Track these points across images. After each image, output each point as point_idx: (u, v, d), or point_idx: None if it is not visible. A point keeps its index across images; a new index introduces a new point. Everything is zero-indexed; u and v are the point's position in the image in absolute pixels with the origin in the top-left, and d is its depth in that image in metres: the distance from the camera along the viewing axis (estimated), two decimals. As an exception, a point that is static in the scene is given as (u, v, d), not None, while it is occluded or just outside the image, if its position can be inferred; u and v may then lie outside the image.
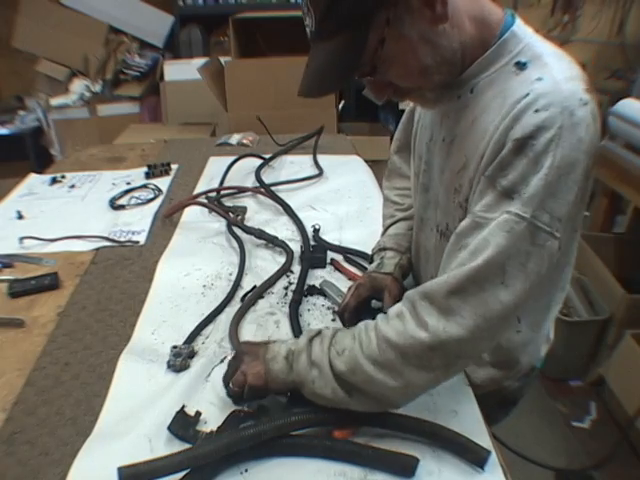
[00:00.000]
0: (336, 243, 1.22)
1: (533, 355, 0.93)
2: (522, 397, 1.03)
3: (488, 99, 0.69)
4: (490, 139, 0.67)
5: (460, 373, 0.83)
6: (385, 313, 0.73)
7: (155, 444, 0.71)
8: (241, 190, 1.51)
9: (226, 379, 0.77)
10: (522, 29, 0.70)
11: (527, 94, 0.64)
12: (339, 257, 1.18)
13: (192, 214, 1.40)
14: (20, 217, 1.40)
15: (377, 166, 1.81)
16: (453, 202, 0.77)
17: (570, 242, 0.73)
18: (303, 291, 1.04)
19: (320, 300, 1.03)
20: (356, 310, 0.92)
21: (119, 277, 1.13)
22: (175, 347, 0.88)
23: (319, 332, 0.75)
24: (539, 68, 0.66)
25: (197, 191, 1.51)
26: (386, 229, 1.06)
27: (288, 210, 1.38)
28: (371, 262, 1.03)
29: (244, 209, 1.39)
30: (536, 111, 0.62)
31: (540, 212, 0.62)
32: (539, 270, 0.64)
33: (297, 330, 0.92)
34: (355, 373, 0.69)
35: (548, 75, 0.64)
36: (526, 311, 0.74)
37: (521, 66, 0.67)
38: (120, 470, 0.62)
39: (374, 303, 0.96)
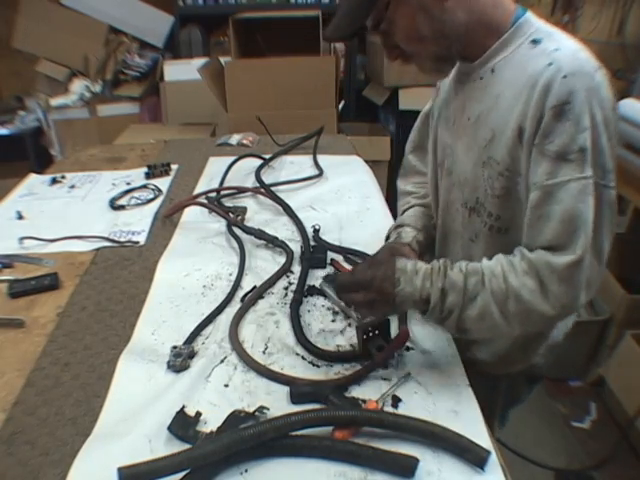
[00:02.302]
0: (336, 243, 1.22)
1: (561, 329, 0.98)
2: (545, 373, 1.08)
3: (509, 75, 0.77)
4: (524, 109, 0.73)
5: (461, 372, 0.83)
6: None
7: (155, 444, 0.71)
8: (241, 190, 1.51)
9: (346, 293, 0.83)
10: (534, 17, 0.79)
11: (550, 63, 0.71)
12: (339, 257, 1.18)
13: (192, 214, 1.40)
14: (20, 217, 1.40)
15: (377, 166, 1.81)
16: (482, 175, 0.82)
17: None
18: (303, 291, 1.04)
19: (320, 300, 1.03)
20: None
21: (119, 277, 1.13)
22: (175, 347, 0.88)
23: (445, 275, 0.76)
24: (553, 42, 0.74)
25: (197, 191, 1.51)
26: (402, 214, 1.11)
27: (288, 210, 1.38)
28: (387, 239, 1.06)
29: (244, 209, 1.39)
30: (564, 77, 0.69)
31: (596, 169, 0.70)
32: (612, 214, 0.73)
33: (298, 330, 0.92)
34: (483, 319, 0.75)
35: (564, 46, 0.73)
36: None
37: (536, 42, 0.76)
38: (120, 470, 0.62)
39: None
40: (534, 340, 0.97)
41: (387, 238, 1.07)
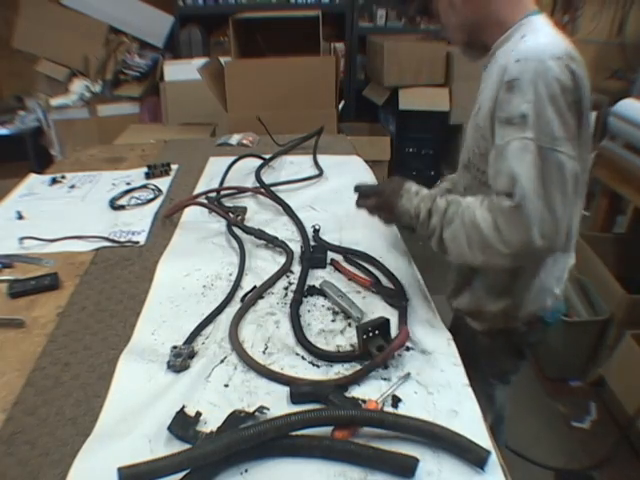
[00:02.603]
0: (336, 243, 1.22)
1: (537, 301, 1.06)
2: (528, 348, 1.19)
3: (498, 62, 0.93)
4: (493, 87, 0.91)
5: (461, 372, 0.84)
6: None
7: (155, 444, 0.71)
8: (241, 190, 1.51)
9: (363, 199, 1.08)
10: (538, 20, 0.93)
11: (512, 50, 0.88)
12: (339, 257, 1.18)
13: (192, 214, 1.40)
14: (20, 217, 1.40)
15: (377, 166, 1.81)
16: (473, 138, 1.00)
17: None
18: (303, 291, 1.04)
19: (320, 300, 1.03)
20: None
21: (119, 277, 1.13)
22: (175, 347, 0.88)
23: (433, 200, 0.96)
24: (532, 36, 0.89)
25: (197, 191, 1.51)
26: None
27: (288, 210, 1.38)
28: None
29: (244, 209, 1.39)
30: (517, 61, 0.85)
31: (539, 134, 0.82)
32: (564, 178, 0.83)
33: (298, 330, 0.92)
34: (454, 242, 0.92)
35: (533, 39, 0.88)
36: None
37: (523, 37, 0.90)
38: (120, 470, 0.62)
39: None
40: (503, 292, 1.07)
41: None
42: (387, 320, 0.87)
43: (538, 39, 0.88)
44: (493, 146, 0.90)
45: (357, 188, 1.11)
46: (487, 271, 1.06)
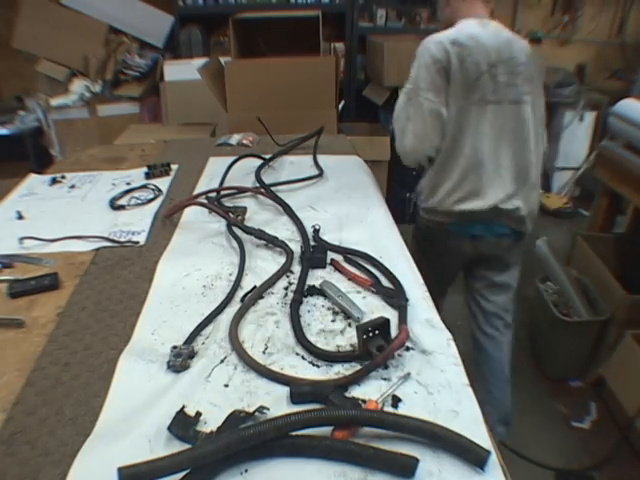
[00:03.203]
0: (336, 243, 1.22)
1: (424, 192, 1.60)
2: (440, 245, 1.63)
3: None
4: None
5: (461, 371, 0.83)
6: None
7: (155, 444, 0.71)
8: (241, 190, 1.51)
9: None
10: (466, 22, 1.44)
11: None
12: (339, 257, 1.18)
13: (192, 214, 1.40)
14: (20, 217, 1.40)
15: (377, 166, 1.81)
16: None
17: (457, 116, 1.43)
18: (303, 291, 1.04)
19: (320, 300, 1.03)
20: None
21: (119, 277, 1.13)
22: (175, 347, 0.88)
23: None
24: (444, 32, 1.43)
25: (197, 191, 1.51)
26: None
27: (288, 210, 1.38)
28: None
29: (244, 209, 1.39)
30: (419, 47, 1.44)
31: (411, 84, 1.45)
32: (423, 113, 1.43)
33: (298, 330, 0.92)
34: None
35: (441, 32, 1.43)
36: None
37: None
38: (120, 470, 0.62)
39: None
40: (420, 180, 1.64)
41: None
42: (387, 320, 0.87)
43: (443, 32, 1.41)
44: None
45: None
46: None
